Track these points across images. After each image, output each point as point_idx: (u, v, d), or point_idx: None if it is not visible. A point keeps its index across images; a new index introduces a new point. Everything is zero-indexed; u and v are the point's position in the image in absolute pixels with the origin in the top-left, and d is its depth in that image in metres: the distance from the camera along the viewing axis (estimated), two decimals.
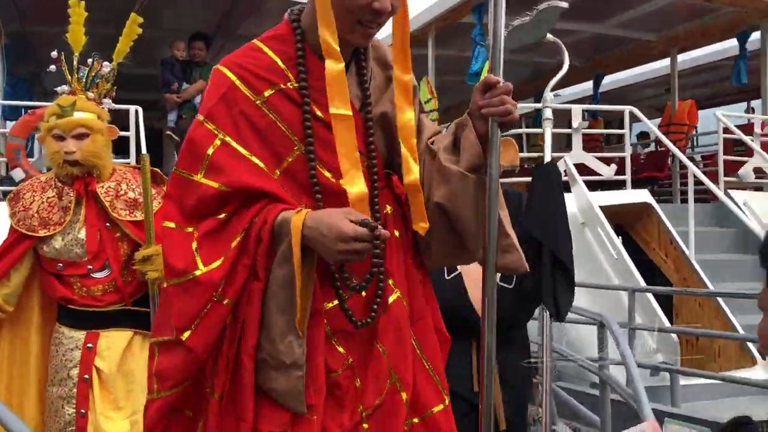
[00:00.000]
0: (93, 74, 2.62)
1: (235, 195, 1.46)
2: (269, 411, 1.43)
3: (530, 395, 3.19)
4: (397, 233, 1.60)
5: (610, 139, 11.26)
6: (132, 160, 5.92)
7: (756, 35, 8.65)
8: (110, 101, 2.72)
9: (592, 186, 6.79)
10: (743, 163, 7.63)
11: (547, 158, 2.88)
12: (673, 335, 5.21)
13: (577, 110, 7.25)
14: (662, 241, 6.58)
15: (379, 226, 1.39)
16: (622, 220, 6.98)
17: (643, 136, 12.58)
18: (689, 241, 6.25)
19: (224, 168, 1.45)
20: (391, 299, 1.57)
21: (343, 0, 1.45)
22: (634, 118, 7.66)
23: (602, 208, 6.21)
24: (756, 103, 10.78)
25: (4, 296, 2.50)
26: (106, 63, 2.65)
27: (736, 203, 6.92)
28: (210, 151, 1.46)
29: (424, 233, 1.58)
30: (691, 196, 6.54)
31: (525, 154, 11.55)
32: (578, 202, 6.38)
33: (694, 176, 6.65)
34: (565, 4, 2.51)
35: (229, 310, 1.43)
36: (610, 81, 13.14)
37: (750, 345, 5.49)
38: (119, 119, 4.01)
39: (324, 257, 1.43)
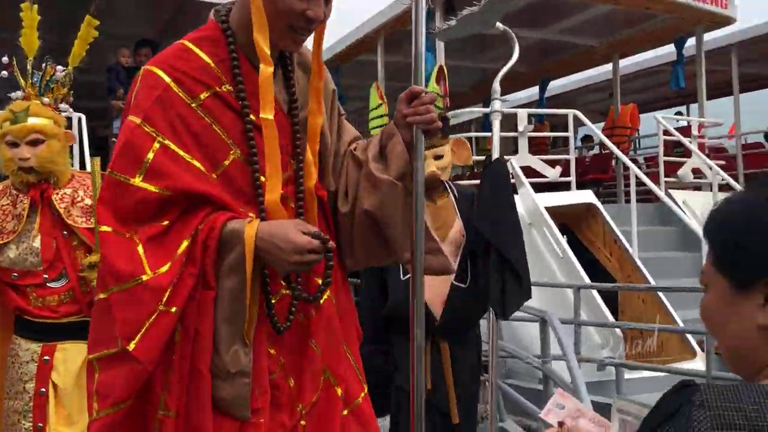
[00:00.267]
0: (47, 79, 2.57)
1: (177, 200, 1.44)
2: (219, 420, 1.43)
3: (481, 393, 3.24)
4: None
5: (556, 143, 11.52)
6: (77, 167, 5.82)
7: (692, 41, 8.98)
8: (68, 106, 2.67)
9: (540, 188, 6.94)
10: (683, 164, 7.90)
11: (496, 156, 2.91)
12: (617, 330, 5.37)
13: (522, 114, 7.42)
14: (606, 240, 6.77)
15: (329, 239, 1.44)
16: (568, 220, 7.17)
17: (588, 139, 12.92)
18: (632, 240, 6.45)
19: (165, 172, 1.43)
20: (322, 299, 1.59)
21: (276, 5, 1.46)
22: (579, 122, 7.87)
23: (548, 208, 6.37)
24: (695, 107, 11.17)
25: None
26: (60, 67, 2.61)
27: (676, 203, 7.16)
28: (150, 155, 1.44)
29: None
30: (633, 197, 6.75)
31: (476, 157, 11.74)
32: (525, 203, 6.52)
33: (636, 177, 6.86)
34: None
35: (176, 319, 1.40)
36: (557, 86, 13.45)
37: (690, 338, 5.69)
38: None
39: (275, 268, 1.47)
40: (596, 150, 11.74)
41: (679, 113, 11.45)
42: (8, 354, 2.51)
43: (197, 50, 1.53)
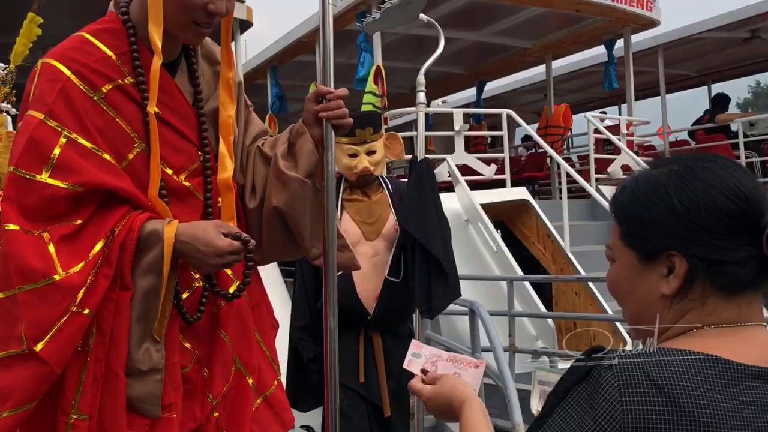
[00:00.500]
0: None
1: (90, 196, 1.42)
2: (130, 418, 1.42)
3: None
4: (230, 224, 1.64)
5: (495, 142, 11.76)
6: None
7: (621, 42, 9.30)
8: (10, 106, 2.61)
9: (478, 186, 7.10)
10: (613, 161, 8.19)
11: (420, 155, 2.98)
12: (550, 321, 5.54)
13: (458, 114, 7.56)
14: (540, 235, 6.96)
15: (251, 239, 1.45)
16: (505, 216, 7.34)
17: (528, 138, 13.21)
18: (564, 235, 6.64)
19: (75, 167, 1.40)
20: (231, 290, 1.59)
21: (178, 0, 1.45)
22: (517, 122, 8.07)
23: (483, 205, 6.51)
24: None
25: None
26: (1, 65, 2.55)
27: (606, 198, 7.41)
28: (57, 150, 1.40)
29: None
30: (564, 193, 6.97)
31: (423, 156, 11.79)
32: (461, 200, 6.66)
33: (568, 174, 7.09)
34: None
35: (89, 321, 1.36)
36: (495, 87, 13.72)
37: (621, 328, 5.90)
38: None
39: (195, 268, 1.49)
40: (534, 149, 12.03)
41: (603, 113, 11.81)
42: None
43: (97, 42, 1.49)
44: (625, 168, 8.16)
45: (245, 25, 7.19)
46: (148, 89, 1.48)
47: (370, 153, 2.78)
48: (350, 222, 2.80)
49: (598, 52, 10.18)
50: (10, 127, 2.64)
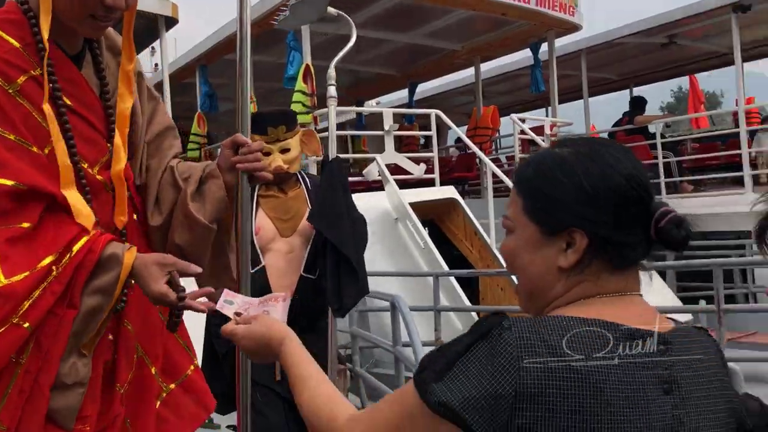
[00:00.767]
0: None
1: (31, 195, 1.38)
2: (44, 428, 1.40)
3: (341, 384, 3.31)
4: (135, 216, 1.64)
5: (428, 143, 11.92)
6: None
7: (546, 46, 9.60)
8: None
9: (409, 185, 7.20)
10: None
11: (332, 154, 2.98)
12: (475, 315, 5.67)
13: (388, 113, 7.65)
14: (468, 232, 7.12)
15: (185, 297, 1.41)
16: (434, 215, 7.47)
17: (460, 140, 13.45)
18: (491, 232, 6.81)
19: (6, 163, 1.36)
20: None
21: None
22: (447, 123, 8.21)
23: (412, 204, 6.61)
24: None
25: None
26: None
27: None
28: None
29: (121, 227, 1.58)
30: (490, 191, 7.15)
31: (352, 155, 11.95)
32: (391, 199, 6.74)
33: (494, 174, 7.27)
34: None
35: (28, 334, 1.33)
36: (428, 88, 13.94)
37: None
38: None
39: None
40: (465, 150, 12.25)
41: (522, 118, 12.19)
42: None
43: (3, 34, 1.44)
44: None
45: (171, 21, 7.10)
46: (57, 80, 1.46)
47: (284, 151, 2.75)
48: (265, 218, 2.78)
49: (527, 55, 10.48)
50: None
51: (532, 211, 1.00)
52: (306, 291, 2.76)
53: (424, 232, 6.38)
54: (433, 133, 7.91)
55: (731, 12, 8.48)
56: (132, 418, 1.60)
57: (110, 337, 1.55)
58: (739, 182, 8.41)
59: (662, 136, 9.45)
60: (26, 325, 1.32)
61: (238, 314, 1.28)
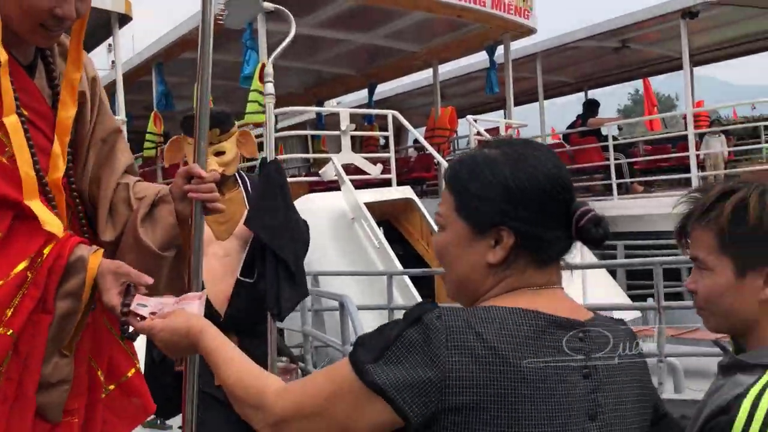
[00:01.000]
0: None
1: (1, 205, 1.37)
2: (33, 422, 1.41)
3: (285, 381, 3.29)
4: (85, 226, 1.63)
5: (388, 143, 11.97)
6: None
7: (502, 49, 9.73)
8: None
9: (367, 185, 7.23)
10: None
11: (270, 156, 2.87)
12: None
13: (344, 113, 7.69)
14: (423, 231, 7.20)
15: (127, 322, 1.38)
16: (390, 215, 7.52)
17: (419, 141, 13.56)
18: None
19: None
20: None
21: (21, 4, 1.40)
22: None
23: (368, 204, 6.66)
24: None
25: None
26: None
27: None
28: None
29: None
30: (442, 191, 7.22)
31: (311, 155, 11.94)
32: (347, 199, 6.78)
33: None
34: None
35: (11, 342, 1.33)
36: (388, 89, 14.01)
37: None
38: None
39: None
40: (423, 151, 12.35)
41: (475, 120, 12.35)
42: None
43: None
44: None
45: (124, 19, 7.01)
46: (16, 89, 1.44)
47: (219, 154, 2.70)
48: None
49: (485, 57, 10.62)
50: None
51: (462, 209, 1.04)
52: (242, 295, 2.72)
53: (379, 232, 6.44)
54: (390, 133, 7.97)
55: (680, 18, 8.74)
56: (85, 420, 1.60)
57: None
58: (688, 183, 8.67)
59: (614, 138, 9.68)
60: (10, 332, 1.33)
61: (153, 314, 1.29)
